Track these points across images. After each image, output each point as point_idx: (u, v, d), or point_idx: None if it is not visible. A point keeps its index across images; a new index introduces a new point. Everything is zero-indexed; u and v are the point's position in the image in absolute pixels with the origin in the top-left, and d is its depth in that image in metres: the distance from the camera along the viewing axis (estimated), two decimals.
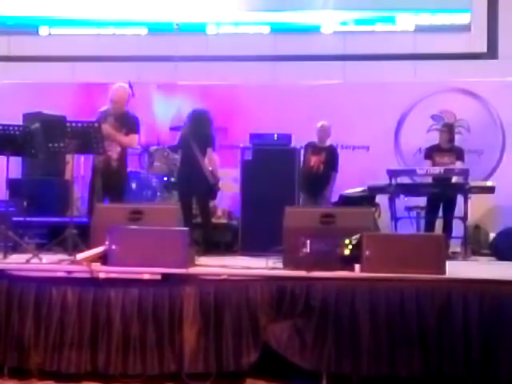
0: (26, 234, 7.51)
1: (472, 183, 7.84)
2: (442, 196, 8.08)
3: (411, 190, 8.17)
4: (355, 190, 8.20)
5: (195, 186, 7.58)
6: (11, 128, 6.42)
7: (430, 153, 8.33)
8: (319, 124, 8.73)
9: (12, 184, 7.07)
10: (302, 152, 8.49)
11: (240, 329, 5.32)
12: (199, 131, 7.72)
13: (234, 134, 9.29)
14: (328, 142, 8.84)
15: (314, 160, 8.66)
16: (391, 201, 7.97)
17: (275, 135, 8.16)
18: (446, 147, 8.31)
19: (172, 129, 8.91)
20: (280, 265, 5.90)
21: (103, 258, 5.65)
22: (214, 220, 8.48)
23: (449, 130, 8.44)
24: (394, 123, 9.54)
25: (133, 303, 5.29)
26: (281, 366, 5.32)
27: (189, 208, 7.63)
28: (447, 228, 7.96)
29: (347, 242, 5.63)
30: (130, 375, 5.31)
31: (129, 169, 8.36)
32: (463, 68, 10.01)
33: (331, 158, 8.72)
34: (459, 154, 8.26)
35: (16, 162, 7.91)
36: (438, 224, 8.11)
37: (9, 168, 6.53)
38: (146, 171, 8.46)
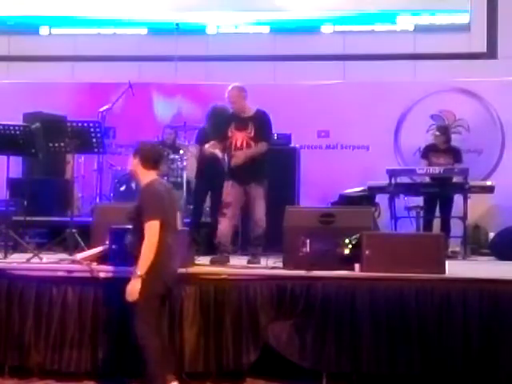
0: (27, 233, 7.51)
1: (471, 183, 7.83)
2: (439, 195, 8.08)
3: (411, 189, 8.16)
4: (355, 189, 8.18)
5: (213, 181, 7.51)
6: (11, 128, 6.43)
7: (426, 152, 8.32)
8: (229, 88, 6.64)
9: (12, 183, 7.09)
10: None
11: (240, 328, 5.33)
12: (219, 127, 7.61)
13: None
14: (253, 108, 6.70)
15: (240, 138, 6.56)
16: (391, 200, 7.96)
17: (275, 135, 8.14)
18: (442, 148, 8.29)
19: (168, 127, 8.87)
20: (280, 264, 5.91)
21: (103, 258, 5.66)
22: None
23: (443, 133, 8.39)
24: (393, 123, 9.52)
25: None
26: (281, 365, 5.33)
27: (201, 205, 7.80)
28: (445, 227, 7.94)
29: (347, 241, 5.64)
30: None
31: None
32: (463, 68, 10.00)
33: (261, 128, 6.57)
34: (456, 155, 8.22)
35: (16, 162, 7.91)
36: (436, 223, 8.11)
37: (9, 167, 6.55)
38: None
